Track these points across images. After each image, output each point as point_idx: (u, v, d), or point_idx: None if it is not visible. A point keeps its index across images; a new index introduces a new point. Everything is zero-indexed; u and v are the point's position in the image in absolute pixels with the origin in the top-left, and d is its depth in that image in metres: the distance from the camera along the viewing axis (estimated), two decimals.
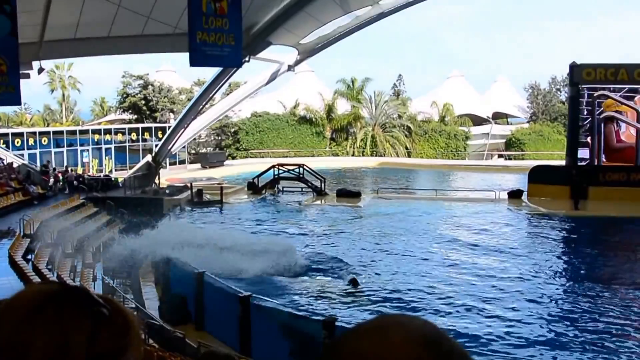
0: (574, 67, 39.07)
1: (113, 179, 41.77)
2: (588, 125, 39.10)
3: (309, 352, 13.66)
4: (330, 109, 73.09)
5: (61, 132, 54.83)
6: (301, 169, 42.38)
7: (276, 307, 16.42)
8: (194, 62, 21.84)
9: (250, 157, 68.14)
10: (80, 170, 48.70)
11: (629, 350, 15.34)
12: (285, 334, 14.93)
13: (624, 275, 22.56)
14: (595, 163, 38.92)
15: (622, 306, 19.08)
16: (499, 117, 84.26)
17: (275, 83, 46.22)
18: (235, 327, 16.16)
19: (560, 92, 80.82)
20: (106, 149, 54.81)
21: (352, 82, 75.10)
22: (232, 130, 70.81)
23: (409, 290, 20.40)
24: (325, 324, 13.52)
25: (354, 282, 20.84)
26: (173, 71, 74.17)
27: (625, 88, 38.94)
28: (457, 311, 18.46)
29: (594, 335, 16.54)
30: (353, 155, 72.13)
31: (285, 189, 42.50)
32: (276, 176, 42.52)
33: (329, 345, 1.17)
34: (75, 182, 38.75)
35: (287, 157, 64.05)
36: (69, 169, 44.68)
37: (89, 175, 44.36)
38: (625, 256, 25.82)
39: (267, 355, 15.01)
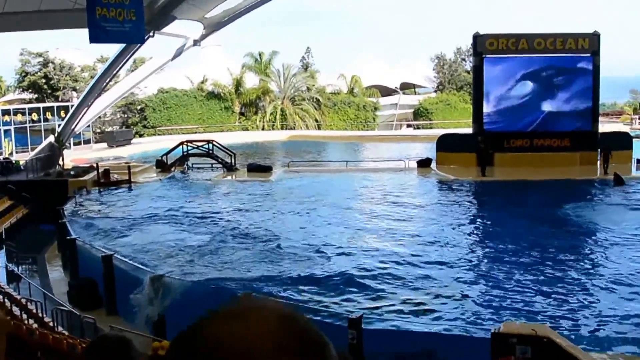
0: (477, 37, 39.76)
1: (14, 161, 40.37)
2: None
3: None
4: (238, 84, 72.49)
5: None
6: (210, 144, 41.92)
7: (190, 284, 16.28)
8: (93, 39, 21.27)
9: (158, 135, 67.00)
10: None
11: (536, 305, 15.81)
12: (200, 312, 14.78)
13: (526, 236, 23.29)
14: None
15: (526, 264, 19.69)
16: (406, 87, 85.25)
17: (181, 58, 45.41)
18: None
19: (465, 61, 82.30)
20: (5, 131, 52.48)
21: (260, 55, 74.66)
22: (139, 107, 69.41)
23: (324, 259, 20.48)
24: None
25: None
26: (75, 48, 71.96)
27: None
28: (372, 276, 18.65)
29: (500, 291, 17.04)
30: (263, 129, 71.81)
31: (194, 166, 41.97)
32: (185, 153, 41.91)
33: (185, 331, 1.15)
34: None
35: (196, 133, 63.27)
36: None
37: None
38: (527, 218, 26.59)
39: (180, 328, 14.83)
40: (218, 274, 19.31)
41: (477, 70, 40.48)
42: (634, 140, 42.87)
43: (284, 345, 1.06)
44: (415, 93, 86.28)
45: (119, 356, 2.95)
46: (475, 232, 25.75)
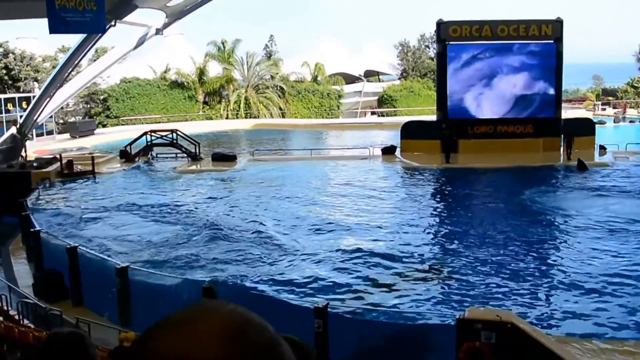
0: (440, 24, 39.92)
1: None
2: None
3: None
4: (202, 73, 72.11)
5: None
6: (174, 134, 41.63)
7: (157, 276, 16.20)
8: (53, 29, 20.98)
9: (122, 125, 66.38)
10: None
11: (500, 290, 16.00)
12: (165, 303, 14.73)
13: (490, 223, 23.54)
14: None
15: (490, 250, 19.90)
16: (370, 74, 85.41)
17: (144, 47, 45.05)
18: (114, 300, 15.86)
19: (429, 48, 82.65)
20: None
21: (223, 44, 74.31)
22: (101, 97, 68.75)
23: (290, 248, 20.51)
24: (205, 290, 13.44)
25: None
26: (35, 38, 70.90)
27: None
28: (338, 264, 18.72)
29: (465, 277, 17.21)
30: (227, 118, 71.54)
31: (159, 156, 41.70)
32: (149, 143, 41.58)
33: (133, 343, 1.14)
34: None
35: (159, 122, 62.77)
36: None
37: None
38: (491, 205, 26.87)
39: (148, 325, 14.77)
40: (185, 264, 19.26)
41: (441, 57, 40.67)
42: (596, 126, 43.46)
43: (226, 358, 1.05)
44: (379, 80, 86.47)
45: (73, 353, 2.90)
46: (439, 219, 25.93)
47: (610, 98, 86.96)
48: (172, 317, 1.13)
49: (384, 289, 16.67)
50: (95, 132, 60.98)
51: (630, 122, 68.08)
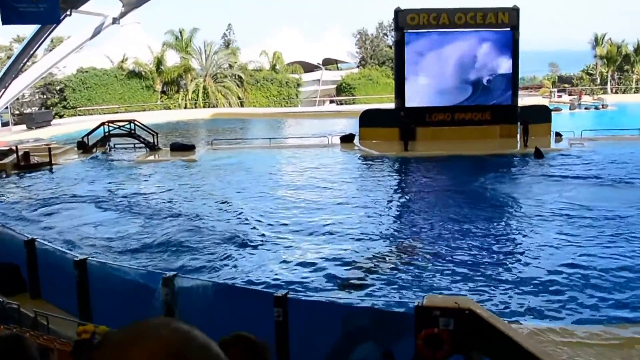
0: (398, 12, 40.10)
1: None
2: None
3: (150, 310, 13.48)
4: (159, 62, 71.53)
5: None
6: (132, 124, 41.29)
7: (115, 268, 16.06)
8: (6, 20, 20.65)
9: (79, 115, 65.60)
10: None
11: (458, 277, 16.18)
12: (125, 295, 14.65)
13: (448, 210, 23.78)
14: None
15: (447, 238, 20.11)
16: (329, 63, 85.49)
17: (101, 37, 44.60)
18: (73, 293, 15.70)
19: (387, 36, 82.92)
20: None
21: (181, 33, 73.78)
22: (58, 87, 67.95)
23: (249, 237, 20.49)
24: (165, 280, 13.38)
25: None
26: None
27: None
28: (297, 252, 18.77)
29: (423, 264, 17.37)
30: (185, 107, 71.17)
31: (117, 146, 41.36)
32: (106, 133, 41.17)
33: None
34: None
35: (117, 113, 62.20)
36: None
37: None
38: (449, 193, 27.13)
39: (109, 319, 14.67)
40: (144, 255, 19.15)
41: (399, 45, 40.87)
42: (552, 113, 44.09)
43: None
44: (337, 69, 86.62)
45: (13, 355, 2.85)
46: (396, 207, 26.09)
47: (566, 85, 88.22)
48: (111, 337, 1.11)
49: (343, 276, 16.74)
50: (51, 123, 60.11)
51: (586, 109, 69.14)
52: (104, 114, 60.69)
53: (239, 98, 73.26)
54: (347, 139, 40.65)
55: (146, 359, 1.04)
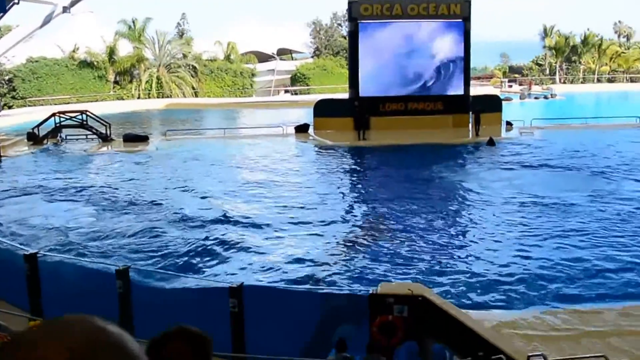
0: (352, 3, 40.22)
1: None
2: None
3: (105, 303, 13.39)
4: (112, 52, 70.69)
5: None
6: (84, 115, 40.78)
7: (67, 262, 15.92)
8: None
9: (29, 106, 64.49)
10: None
11: (411, 265, 16.35)
12: (79, 289, 14.53)
13: (402, 199, 23.98)
14: None
15: (401, 226, 20.29)
16: (283, 53, 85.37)
17: (51, 26, 43.94)
18: (24, 288, 15.52)
19: (341, 27, 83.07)
20: None
21: (134, 22, 72.98)
22: (6, 77, 66.66)
23: (204, 228, 20.43)
24: (119, 272, 13.32)
25: None
26: None
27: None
28: (252, 243, 18.75)
29: (378, 253, 17.51)
30: (139, 98, 70.56)
31: (68, 138, 40.79)
32: (58, 124, 40.57)
33: None
34: None
35: (69, 103, 61.42)
36: None
37: None
38: (402, 182, 27.36)
39: (61, 314, 14.51)
40: (97, 249, 18.96)
41: (352, 36, 41.00)
42: (503, 102, 44.77)
43: None
44: (292, 59, 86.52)
45: None
46: (352, 196, 26.22)
47: (517, 75, 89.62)
48: (19, 336, 1.08)
49: (299, 265, 16.81)
50: (0, 113, 59.07)
51: (535, 98, 70.40)
52: (55, 104, 59.79)
53: (193, 88, 72.84)
54: (301, 129, 40.75)
55: (51, 358, 1.01)
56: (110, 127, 40.77)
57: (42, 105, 63.06)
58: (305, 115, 46.16)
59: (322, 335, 11.35)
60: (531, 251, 17.40)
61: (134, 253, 18.22)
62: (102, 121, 40.81)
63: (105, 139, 39.96)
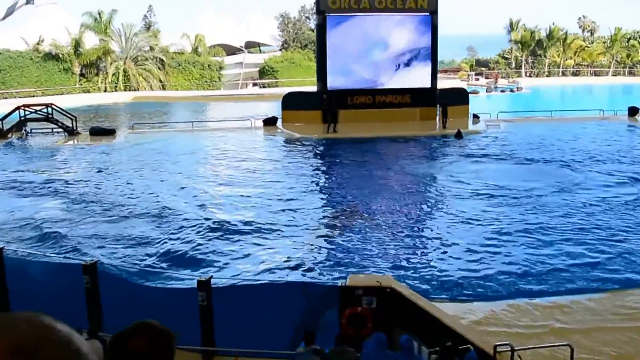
0: None
1: None
2: None
3: (72, 299, 13.30)
4: (77, 44, 69.88)
5: None
6: (50, 108, 40.30)
7: (33, 257, 15.78)
8: None
9: None
10: None
11: (380, 257, 16.45)
12: (45, 285, 14.41)
13: (370, 192, 24.13)
14: None
15: (370, 219, 20.37)
16: (251, 46, 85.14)
17: (14, 17, 43.37)
18: None
19: (310, 20, 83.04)
20: None
21: (100, 14, 72.26)
22: None
23: (172, 222, 20.35)
24: (86, 267, 13.24)
25: None
26: None
27: None
28: (220, 236, 18.73)
29: (346, 246, 17.59)
30: (105, 91, 69.94)
31: (33, 131, 40.31)
32: (22, 118, 40.06)
33: None
34: None
35: (34, 96, 60.66)
36: None
37: None
38: (370, 174, 27.48)
39: (27, 308, 14.36)
40: (63, 244, 18.78)
41: (320, 29, 40.98)
42: (470, 95, 45.12)
43: None
44: (260, 52, 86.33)
45: None
46: (319, 189, 26.24)
47: (483, 69, 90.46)
48: None
49: (267, 259, 16.82)
50: None
51: (501, 91, 71.14)
52: (20, 97, 59.00)
53: (160, 81, 72.38)
54: (270, 122, 40.72)
55: None
56: (76, 121, 40.35)
57: (5, 98, 62.10)
58: (274, 109, 46.14)
59: (307, 325, 11.36)
60: (498, 243, 17.61)
61: (101, 249, 18.07)
62: (68, 114, 40.37)
63: (71, 132, 39.55)
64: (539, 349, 10.38)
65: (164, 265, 16.44)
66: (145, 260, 16.91)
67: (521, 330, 11.71)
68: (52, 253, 16.99)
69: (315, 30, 51.44)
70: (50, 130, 40.08)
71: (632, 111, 43.59)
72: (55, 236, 19.31)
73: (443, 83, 52.60)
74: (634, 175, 25.99)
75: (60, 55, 68.92)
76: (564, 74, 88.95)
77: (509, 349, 9.71)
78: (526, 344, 10.54)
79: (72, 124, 40.01)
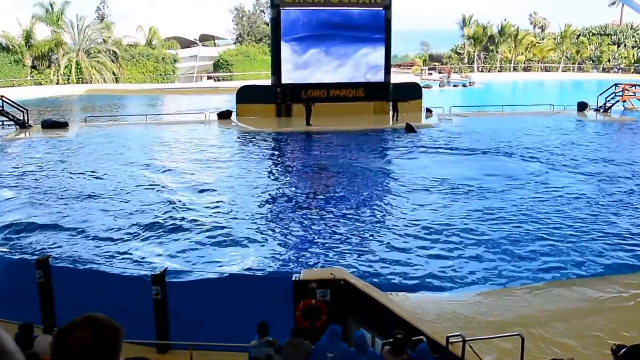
0: None
1: None
2: None
3: (26, 294, 13.26)
4: (28, 36, 68.89)
5: None
6: (0, 101, 39.72)
7: None
8: None
9: None
10: None
11: (333, 250, 16.63)
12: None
13: (323, 186, 24.33)
14: None
15: (322, 212, 20.54)
16: (206, 39, 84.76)
17: None
18: None
19: (264, 13, 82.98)
20: None
21: (51, 5, 71.30)
22: None
23: (126, 215, 20.28)
24: (39, 262, 13.22)
25: None
26: None
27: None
28: (174, 230, 18.73)
29: (299, 239, 17.73)
30: (57, 83, 69.07)
31: None
32: None
33: None
34: None
35: None
36: None
37: None
38: (321, 167, 27.68)
39: None
40: (16, 240, 18.60)
41: (275, 23, 41.05)
42: (423, 90, 45.65)
43: None
44: (214, 45, 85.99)
45: None
46: (273, 182, 26.24)
47: (436, 64, 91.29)
48: None
49: (223, 253, 16.90)
50: None
51: (454, 86, 72.10)
52: None
53: (114, 74, 71.72)
54: (224, 116, 40.69)
55: None
56: (27, 114, 39.79)
57: None
58: (228, 102, 46.11)
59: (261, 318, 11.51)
60: (451, 235, 17.87)
61: (55, 243, 17.96)
62: (19, 107, 39.77)
63: (23, 125, 39.01)
64: (491, 339, 10.62)
65: (118, 258, 16.41)
66: (99, 254, 16.84)
67: (472, 322, 11.96)
68: (4, 248, 16.85)
69: (269, 24, 51.51)
70: (0, 123, 39.48)
71: (581, 106, 44.73)
72: (7, 231, 19.12)
73: (397, 77, 53.14)
74: (576, 169, 26.74)
75: (11, 47, 67.91)
76: (515, 70, 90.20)
77: (461, 339, 9.93)
78: (477, 335, 10.78)
79: (24, 116, 39.44)
